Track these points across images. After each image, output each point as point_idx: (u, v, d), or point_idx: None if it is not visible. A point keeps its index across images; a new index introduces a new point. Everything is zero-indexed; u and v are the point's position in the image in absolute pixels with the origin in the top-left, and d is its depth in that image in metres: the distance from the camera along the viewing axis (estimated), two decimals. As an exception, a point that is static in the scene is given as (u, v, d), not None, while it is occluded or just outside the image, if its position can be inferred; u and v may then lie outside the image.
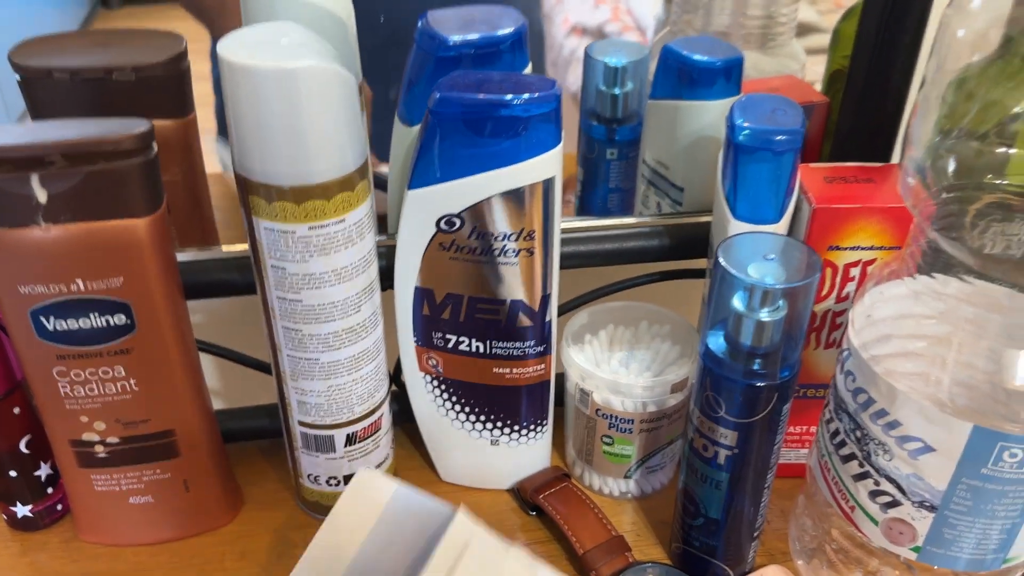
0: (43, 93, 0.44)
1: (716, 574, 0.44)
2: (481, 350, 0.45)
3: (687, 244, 0.49)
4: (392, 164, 0.46)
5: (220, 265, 0.46)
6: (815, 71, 0.57)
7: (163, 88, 0.45)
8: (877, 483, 0.38)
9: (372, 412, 0.45)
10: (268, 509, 0.49)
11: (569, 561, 0.46)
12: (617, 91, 0.54)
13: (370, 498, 0.43)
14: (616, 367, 0.47)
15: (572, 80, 0.75)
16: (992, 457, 0.34)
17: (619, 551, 0.45)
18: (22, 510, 0.47)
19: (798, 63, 0.58)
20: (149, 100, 0.45)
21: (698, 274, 0.51)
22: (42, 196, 0.36)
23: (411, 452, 0.52)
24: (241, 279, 0.46)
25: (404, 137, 0.45)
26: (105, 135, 0.36)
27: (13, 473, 0.45)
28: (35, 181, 0.35)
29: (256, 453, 0.52)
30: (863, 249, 0.42)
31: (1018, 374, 0.34)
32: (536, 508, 0.49)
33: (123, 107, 0.44)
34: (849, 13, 0.52)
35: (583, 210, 0.58)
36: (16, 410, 0.44)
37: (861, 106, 0.48)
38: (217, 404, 0.48)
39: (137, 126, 0.37)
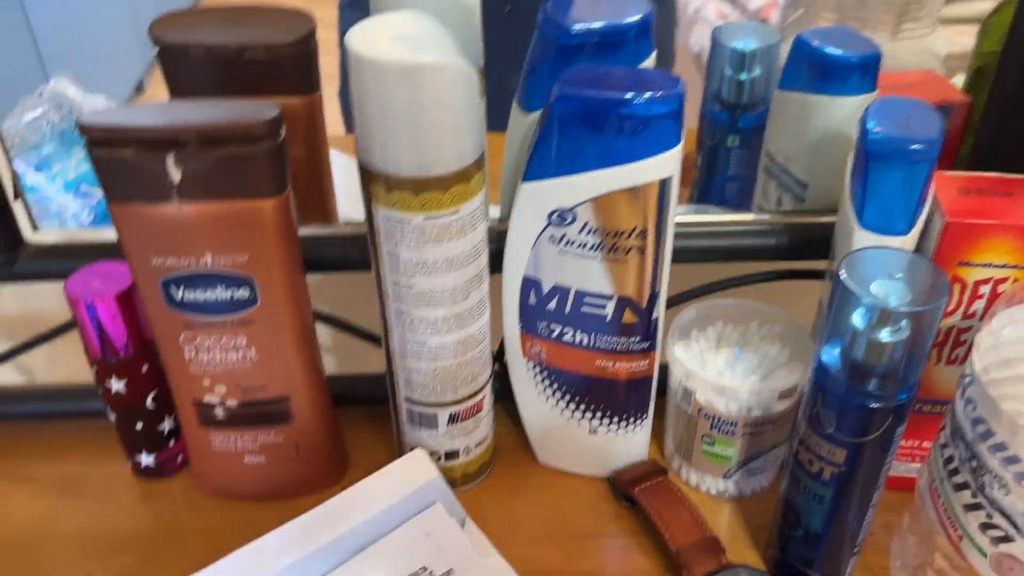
0: (179, 66, 0.46)
1: (811, 585, 0.44)
2: (585, 342, 0.45)
3: (806, 244, 0.48)
4: (507, 149, 0.46)
5: (340, 242, 0.47)
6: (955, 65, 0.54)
7: (292, 66, 0.46)
8: (990, 516, 0.36)
9: (475, 394, 0.46)
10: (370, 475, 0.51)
11: (660, 556, 0.46)
12: (744, 77, 0.52)
13: (408, 477, 0.44)
14: (722, 367, 0.46)
15: (694, 41, 0.73)
16: (1123, 505, 0.32)
17: (713, 552, 0.45)
18: (146, 459, 0.50)
19: (938, 56, 0.55)
20: (278, 78, 0.46)
21: (815, 275, 0.49)
22: (176, 175, 0.38)
23: (510, 430, 0.53)
24: (359, 256, 0.47)
25: (521, 123, 0.44)
26: (237, 120, 0.37)
27: (139, 425, 0.48)
28: (170, 161, 0.37)
29: (365, 419, 0.54)
30: (995, 267, 0.40)
31: None
32: (631, 499, 0.49)
33: (253, 83, 0.45)
34: (1002, 5, 0.48)
35: (700, 197, 0.57)
36: (144, 367, 0.47)
37: (1008, 110, 0.45)
38: (330, 368, 0.49)
39: (267, 112, 0.38)
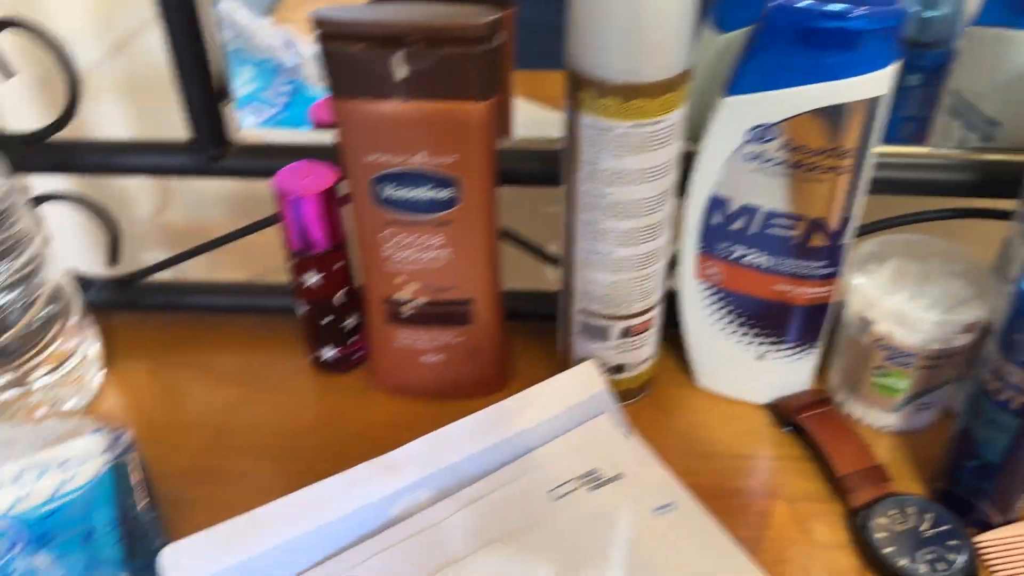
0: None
1: (979, 518, 0.44)
2: (766, 265, 0.45)
3: (996, 182, 0.47)
4: (697, 70, 0.46)
5: (525, 156, 0.49)
6: None
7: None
8: None
9: (648, 310, 0.48)
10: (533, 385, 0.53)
11: (822, 481, 0.47)
12: (930, 14, 0.51)
13: (578, 387, 0.46)
14: (903, 299, 0.46)
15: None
16: None
17: (878, 480, 0.45)
18: (328, 353, 0.53)
19: None
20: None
21: (1001, 216, 0.48)
22: (400, 73, 0.40)
23: (668, 354, 0.54)
24: (539, 170, 0.49)
25: (714, 43, 0.45)
26: (461, 20, 0.39)
27: (326, 320, 0.51)
28: (396, 58, 0.39)
29: (524, 333, 0.56)
30: None
31: None
32: (791, 426, 0.49)
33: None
34: None
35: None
36: (338, 264, 0.50)
37: None
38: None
39: (488, 14, 0.39)
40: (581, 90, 0.40)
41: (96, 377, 0.52)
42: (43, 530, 0.42)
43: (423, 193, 0.43)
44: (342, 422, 0.51)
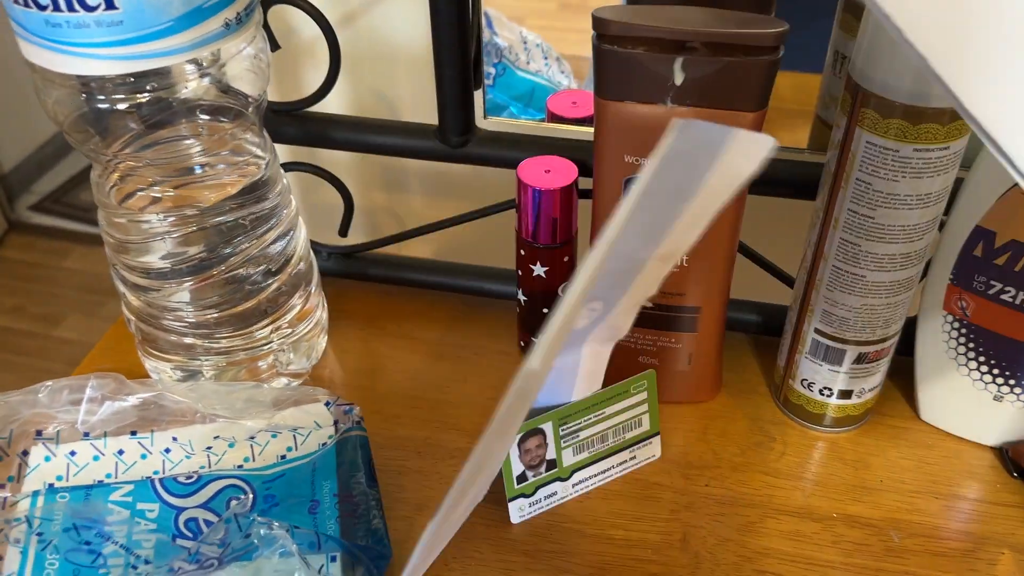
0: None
1: None
2: (1028, 304, 0.43)
3: None
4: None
5: (779, 167, 0.48)
6: None
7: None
8: None
9: (887, 338, 0.46)
10: (742, 397, 0.52)
11: (1058, 537, 0.44)
12: None
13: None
14: None
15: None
16: None
17: None
18: (540, 342, 0.54)
19: None
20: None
21: None
22: (679, 78, 0.39)
23: (891, 383, 0.52)
24: (786, 181, 0.48)
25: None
26: (749, 30, 0.38)
27: (546, 310, 0.52)
28: (677, 64, 0.39)
29: (736, 344, 0.55)
30: None
31: None
32: (1021, 472, 0.47)
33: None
34: None
35: None
36: (566, 258, 0.50)
37: None
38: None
39: (775, 24, 0.38)
40: (864, 107, 0.38)
41: (321, 342, 0.54)
42: (267, 492, 0.44)
43: (677, 199, 0.43)
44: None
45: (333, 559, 0.40)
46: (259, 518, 0.38)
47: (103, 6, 0.36)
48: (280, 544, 0.38)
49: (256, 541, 0.38)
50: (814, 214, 0.45)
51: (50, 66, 0.38)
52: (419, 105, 0.65)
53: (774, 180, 0.48)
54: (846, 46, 0.47)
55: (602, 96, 0.41)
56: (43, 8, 0.36)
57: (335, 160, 0.60)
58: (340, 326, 0.57)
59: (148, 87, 0.40)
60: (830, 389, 0.48)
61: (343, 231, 0.57)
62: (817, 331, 0.46)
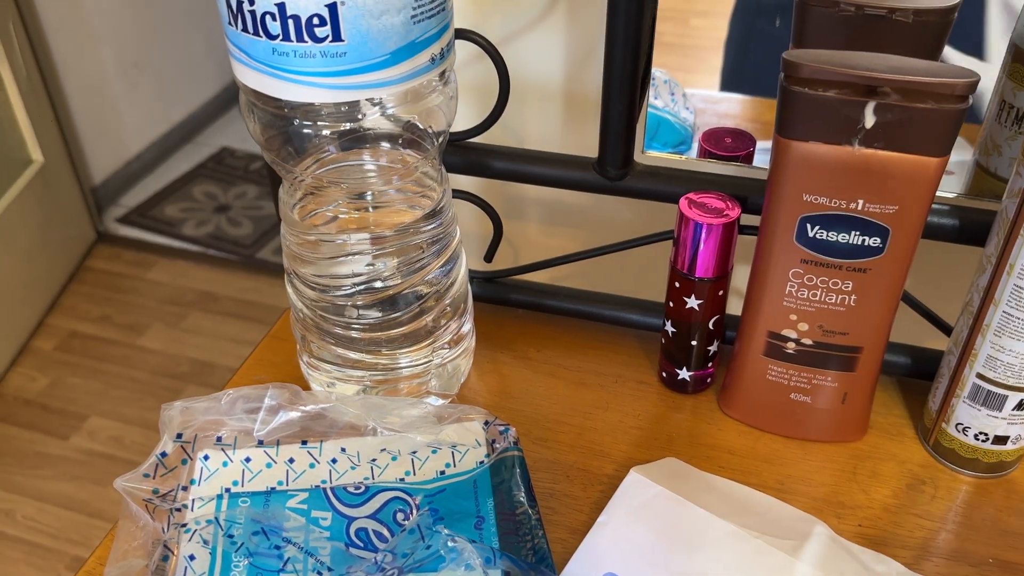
0: (818, 19, 0.48)
1: None
2: None
3: None
4: None
5: (946, 213, 0.48)
6: None
7: (932, 34, 0.47)
8: None
9: (1050, 385, 0.46)
10: (890, 439, 0.52)
11: None
12: None
13: None
14: None
15: None
16: None
17: None
18: (684, 373, 0.55)
19: None
20: (915, 42, 0.47)
21: None
22: (869, 122, 0.40)
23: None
24: (955, 227, 0.49)
25: None
26: (943, 78, 0.39)
27: (693, 342, 0.53)
28: (869, 108, 0.40)
29: (881, 385, 0.56)
30: None
31: None
32: None
33: (888, 45, 0.47)
34: None
35: None
36: (719, 292, 0.51)
37: None
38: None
39: (965, 74, 0.39)
40: (1054, 158, 0.39)
41: (468, 363, 0.56)
42: (431, 506, 0.46)
43: (850, 239, 0.44)
44: (693, 444, 0.53)
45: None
46: (444, 530, 0.39)
47: (330, 38, 0.38)
48: (465, 558, 0.39)
49: (443, 552, 0.39)
50: (984, 259, 0.45)
51: (271, 92, 0.40)
52: (547, 138, 0.67)
53: (941, 227, 0.49)
54: (1015, 96, 0.47)
55: (785, 136, 0.42)
56: (273, 37, 0.39)
57: (468, 186, 0.62)
58: (480, 349, 0.58)
59: (354, 116, 0.42)
60: (986, 435, 0.48)
61: (488, 257, 0.58)
62: (979, 375, 0.47)
